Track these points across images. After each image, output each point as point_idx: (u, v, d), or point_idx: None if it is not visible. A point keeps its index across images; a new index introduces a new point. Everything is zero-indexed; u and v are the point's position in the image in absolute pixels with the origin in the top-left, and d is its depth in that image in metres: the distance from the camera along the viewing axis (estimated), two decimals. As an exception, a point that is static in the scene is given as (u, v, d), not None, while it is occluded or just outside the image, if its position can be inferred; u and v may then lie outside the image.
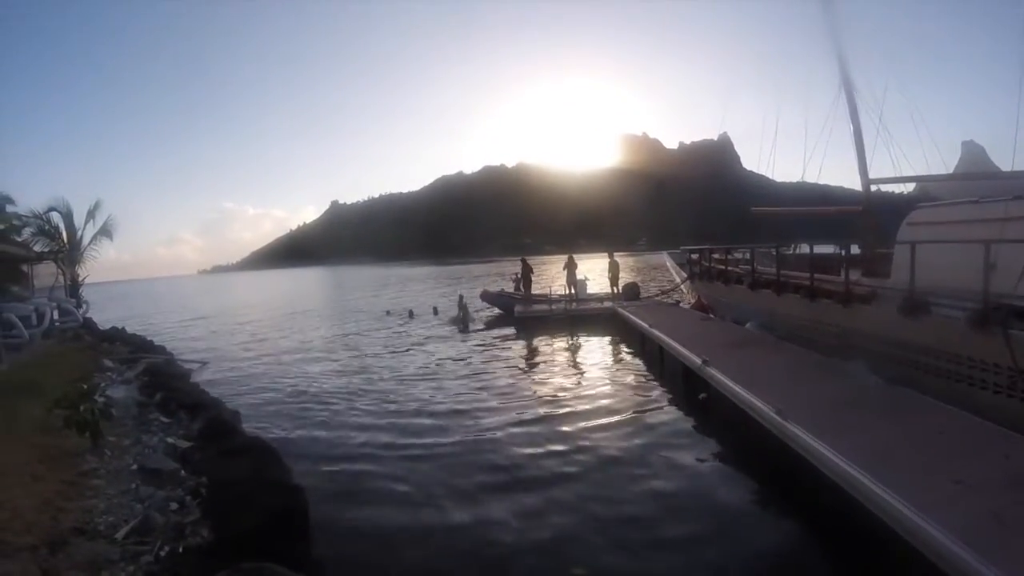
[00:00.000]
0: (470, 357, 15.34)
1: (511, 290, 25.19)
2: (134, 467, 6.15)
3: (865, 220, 11.37)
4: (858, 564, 4.59)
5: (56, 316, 15.60)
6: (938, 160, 10.66)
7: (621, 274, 24.62)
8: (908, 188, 11.78)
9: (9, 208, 18.60)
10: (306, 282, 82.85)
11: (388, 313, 26.91)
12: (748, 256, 14.47)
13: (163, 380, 10.34)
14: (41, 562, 3.86)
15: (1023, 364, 5.65)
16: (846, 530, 4.81)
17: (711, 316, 15.53)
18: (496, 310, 23.71)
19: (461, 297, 23.70)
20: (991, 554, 3.38)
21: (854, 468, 4.74)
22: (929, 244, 7.41)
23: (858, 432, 5.56)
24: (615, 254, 24.97)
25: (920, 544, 3.80)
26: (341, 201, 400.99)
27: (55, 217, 19.55)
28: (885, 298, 8.10)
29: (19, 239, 17.87)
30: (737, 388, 7.59)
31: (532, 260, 26.14)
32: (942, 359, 6.85)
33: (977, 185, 9.02)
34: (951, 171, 10.68)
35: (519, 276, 24.88)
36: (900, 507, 4.06)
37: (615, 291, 22.74)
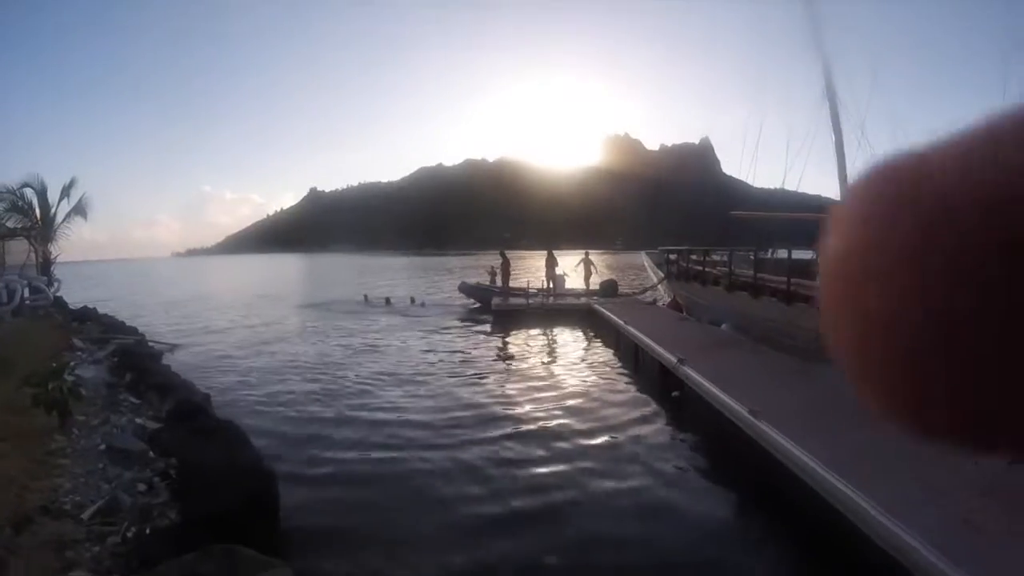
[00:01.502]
0: (446, 346, 15.43)
1: (487, 283, 25.27)
2: (102, 447, 6.02)
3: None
4: (828, 566, 4.66)
5: (27, 294, 15.26)
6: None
7: (600, 271, 25.12)
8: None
9: None
10: (284, 270, 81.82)
11: (366, 299, 26.90)
12: (726, 258, 14.64)
13: (133, 361, 10.14)
14: (5, 541, 3.78)
15: None
16: (817, 532, 4.88)
17: (687, 316, 15.69)
18: (474, 302, 23.71)
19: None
20: (961, 559, 3.45)
21: (826, 470, 4.82)
22: None
23: (831, 435, 5.63)
24: (591, 253, 25.50)
25: (891, 548, 3.87)
26: (320, 188, 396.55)
27: (28, 193, 19.12)
28: None
29: None
30: (712, 387, 7.68)
31: (511, 254, 26.31)
32: None
33: None
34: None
35: (495, 269, 25.15)
36: (871, 510, 4.14)
37: (587, 287, 23.37)
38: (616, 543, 5.27)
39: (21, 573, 3.49)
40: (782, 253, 12.85)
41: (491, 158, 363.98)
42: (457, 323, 20.28)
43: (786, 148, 13.20)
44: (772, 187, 14.80)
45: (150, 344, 13.57)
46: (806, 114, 12.46)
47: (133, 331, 14.74)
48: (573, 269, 24.28)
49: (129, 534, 4.36)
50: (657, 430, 8.47)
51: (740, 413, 6.58)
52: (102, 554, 4.07)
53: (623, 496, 6.25)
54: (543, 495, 6.27)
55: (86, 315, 16.73)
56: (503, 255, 25.03)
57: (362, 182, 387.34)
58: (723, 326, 12.69)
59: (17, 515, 4.13)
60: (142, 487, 5.25)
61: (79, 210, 20.00)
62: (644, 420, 8.84)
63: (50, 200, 19.61)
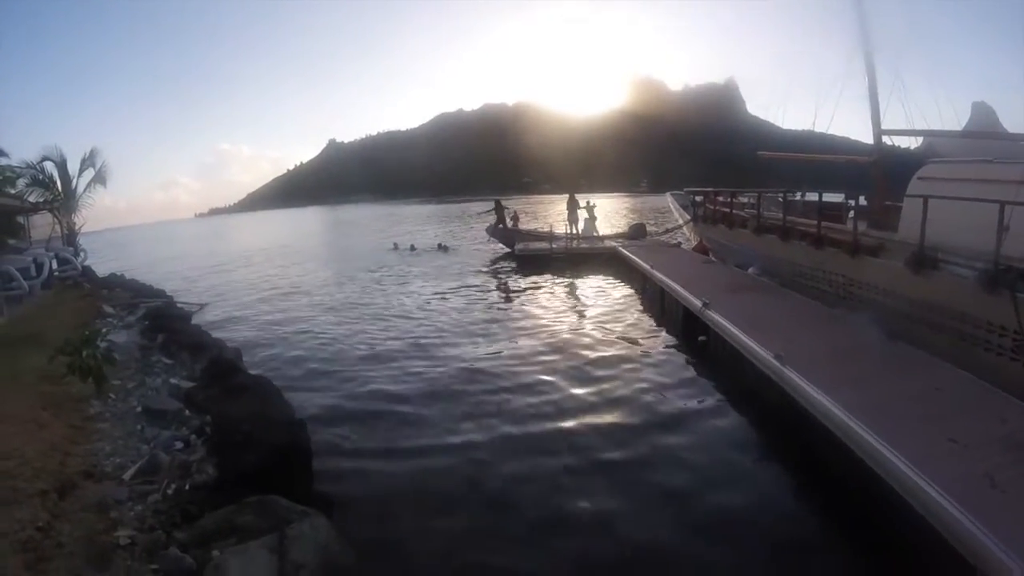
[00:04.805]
0: (472, 290, 15.92)
1: (512, 227, 25.25)
2: (138, 409, 6.21)
3: (875, 171, 11.14)
4: (847, 513, 4.66)
5: (55, 266, 15.49)
6: (951, 118, 10.38)
7: (623, 217, 24.97)
8: (915, 144, 11.54)
9: (2, 160, 18.22)
10: (308, 223, 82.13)
11: (395, 247, 28.00)
12: (753, 200, 14.30)
13: (164, 322, 10.33)
14: (51, 506, 3.92)
15: None
16: (838, 478, 4.90)
17: (713, 259, 15.48)
18: (501, 246, 23.96)
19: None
20: (982, 513, 3.40)
21: (850, 418, 4.77)
22: (938, 200, 7.19)
23: (857, 383, 5.57)
24: (594, 197, 25.91)
25: (911, 497, 3.85)
26: (338, 140, 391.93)
27: (49, 166, 19.06)
28: (893, 251, 8.01)
29: (13, 191, 17.55)
30: (737, 332, 7.62)
31: (532, 199, 26.56)
32: (947, 317, 6.77)
33: (985, 145, 8.81)
34: (961, 130, 10.41)
35: (517, 214, 25.70)
36: (894, 460, 4.10)
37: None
38: (640, 495, 5.31)
39: (67, 536, 3.63)
40: (812, 196, 12.46)
41: (510, 102, 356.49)
42: (482, 268, 20.62)
43: (816, 88, 12.64)
44: (800, 128, 14.26)
45: (179, 305, 13.81)
46: (838, 53, 11.89)
47: (161, 293, 15.01)
48: (587, 210, 24.07)
49: (169, 491, 4.54)
50: (681, 372, 8.49)
51: (765, 358, 6.52)
52: (144, 512, 4.23)
53: (646, 443, 6.28)
54: (570, 442, 6.34)
55: (114, 282, 17.03)
56: (497, 203, 24.99)
57: (381, 131, 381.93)
58: (750, 270, 12.50)
59: (61, 481, 4.29)
60: (179, 445, 5.43)
61: (99, 178, 19.95)
62: (668, 363, 8.88)
63: (70, 171, 19.61)
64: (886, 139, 11.26)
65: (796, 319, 8.41)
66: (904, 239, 7.83)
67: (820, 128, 12.98)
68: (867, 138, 11.43)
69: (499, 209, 24.24)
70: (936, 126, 10.21)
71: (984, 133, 9.83)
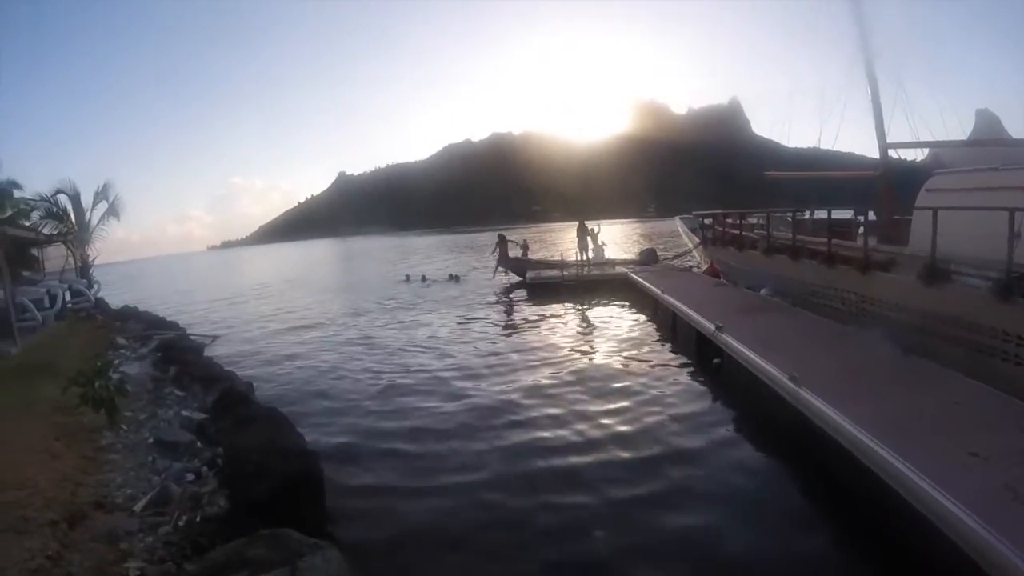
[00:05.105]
0: (484, 320, 15.78)
1: (522, 256, 25.39)
2: (150, 440, 6.23)
3: (882, 185, 11.12)
4: (868, 532, 4.55)
5: (68, 297, 15.67)
6: (955, 127, 10.37)
7: (634, 243, 25.03)
8: (921, 156, 11.52)
9: (16, 193, 18.55)
10: (319, 255, 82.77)
11: (407, 278, 27.93)
12: (762, 221, 14.28)
13: (176, 355, 10.41)
14: (61, 536, 3.91)
15: None
16: (858, 498, 4.79)
17: (724, 282, 15.42)
18: (513, 276, 23.96)
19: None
20: (1004, 527, 3.31)
21: (867, 436, 4.68)
22: (947, 211, 7.16)
23: (873, 400, 5.48)
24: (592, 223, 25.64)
25: (931, 514, 3.75)
26: (348, 172, 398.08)
27: (62, 199, 19.46)
28: (904, 265, 7.95)
29: (27, 223, 17.82)
30: (751, 354, 7.52)
31: (541, 227, 26.74)
32: (961, 329, 6.68)
33: (991, 152, 8.79)
34: (966, 138, 10.40)
35: (527, 242, 25.77)
36: (912, 476, 4.01)
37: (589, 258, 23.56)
38: (661, 528, 5.19)
39: (77, 567, 3.61)
40: (821, 214, 12.44)
41: (517, 131, 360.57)
42: (495, 297, 20.64)
43: (819, 105, 12.71)
44: (806, 146, 14.32)
45: (191, 337, 13.89)
46: (839, 64, 11.99)
47: (174, 326, 15.12)
48: (592, 237, 24.12)
49: (180, 523, 4.51)
50: (696, 397, 8.39)
51: (780, 380, 6.42)
52: (155, 544, 4.21)
53: (665, 475, 6.13)
54: (591, 476, 6.21)
55: (128, 313, 17.27)
56: (501, 237, 25.16)
57: (390, 163, 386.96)
58: (762, 291, 12.43)
59: (72, 511, 4.28)
60: (191, 477, 5.43)
61: (113, 211, 20.36)
62: (683, 388, 8.77)
63: (84, 204, 20.02)
64: (892, 152, 11.25)
65: (810, 338, 8.33)
66: (915, 252, 7.79)
67: (826, 145, 13.03)
68: (873, 152, 11.45)
69: (503, 243, 24.48)
70: (940, 135, 10.21)
71: (989, 141, 9.80)
